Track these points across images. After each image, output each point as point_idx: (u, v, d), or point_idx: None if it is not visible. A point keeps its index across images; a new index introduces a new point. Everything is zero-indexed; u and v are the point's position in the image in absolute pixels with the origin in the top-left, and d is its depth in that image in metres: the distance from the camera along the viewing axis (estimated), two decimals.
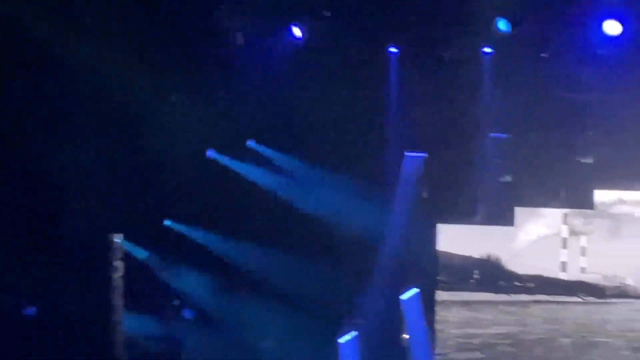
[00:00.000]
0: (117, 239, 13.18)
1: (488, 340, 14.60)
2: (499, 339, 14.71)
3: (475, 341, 14.74)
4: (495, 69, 12.98)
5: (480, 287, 14.72)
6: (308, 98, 13.14)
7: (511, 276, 14.74)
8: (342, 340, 13.45)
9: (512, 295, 14.80)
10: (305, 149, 13.51)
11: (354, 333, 13.46)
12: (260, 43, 12.88)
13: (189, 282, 13.71)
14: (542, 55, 12.81)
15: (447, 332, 14.58)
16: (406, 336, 14.10)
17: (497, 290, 14.76)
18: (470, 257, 14.67)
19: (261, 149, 13.45)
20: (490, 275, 14.75)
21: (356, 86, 13.26)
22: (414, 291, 13.84)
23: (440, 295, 14.40)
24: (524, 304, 14.88)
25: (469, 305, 14.63)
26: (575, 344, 14.89)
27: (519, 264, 14.71)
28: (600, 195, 14.21)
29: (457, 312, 14.70)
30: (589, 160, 13.67)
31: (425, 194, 13.85)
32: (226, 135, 13.32)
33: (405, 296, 13.76)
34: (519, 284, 14.73)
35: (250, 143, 13.34)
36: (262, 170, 13.50)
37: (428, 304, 14.10)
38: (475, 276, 14.61)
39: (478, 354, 14.74)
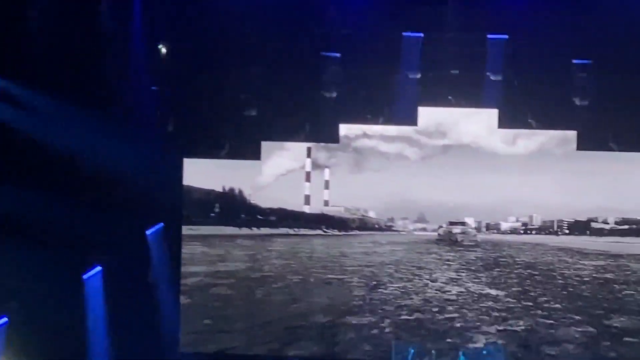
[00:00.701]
0: None
1: (206, 280, 14.80)
2: (218, 279, 14.92)
3: (191, 282, 14.87)
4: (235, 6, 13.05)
5: (221, 220, 14.99)
6: (50, 30, 12.79)
7: (254, 210, 15.12)
8: (86, 275, 13.38)
9: (254, 229, 15.16)
10: (48, 83, 13.04)
11: (98, 268, 13.44)
12: None
13: None
14: None
15: None
16: None
17: (238, 224, 15.11)
18: (213, 191, 14.95)
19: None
20: (232, 209, 15.03)
21: (101, 19, 13.03)
22: (159, 226, 13.94)
23: (183, 229, 14.54)
24: (265, 237, 15.30)
25: (205, 240, 14.90)
26: (305, 282, 15.24)
27: (263, 198, 15.11)
28: (345, 129, 14.68)
29: (189, 248, 14.80)
30: (333, 94, 13.92)
31: (171, 129, 13.98)
32: None
33: (150, 231, 13.84)
34: (261, 217, 15.09)
35: None
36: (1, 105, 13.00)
37: (174, 238, 14.33)
38: (216, 210, 14.85)
39: (182, 299, 14.77)
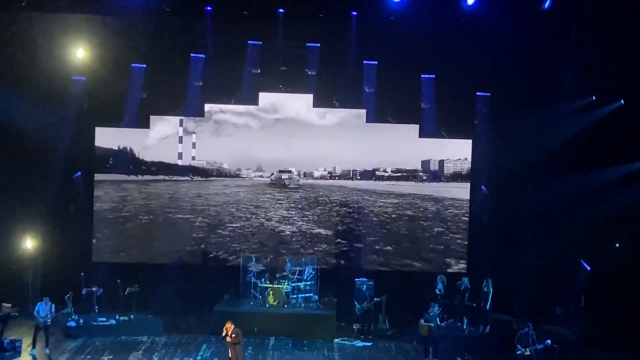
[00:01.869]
0: None
1: None
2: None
3: None
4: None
5: (114, 170, 17.51)
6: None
7: (140, 162, 17.52)
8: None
9: (139, 176, 17.55)
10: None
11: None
12: None
13: None
14: None
15: None
16: None
17: (128, 172, 17.61)
18: (111, 149, 17.46)
19: None
20: (123, 162, 17.46)
21: None
22: (78, 173, 17.17)
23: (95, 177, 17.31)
24: (145, 182, 17.63)
25: (100, 184, 17.47)
26: (153, 222, 17.48)
27: (149, 154, 17.62)
28: (208, 107, 17.67)
29: None
30: (199, 83, 17.00)
31: (86, 107, 16.99)
32: None
33: (75, 176, 17.08)
34: (144, 167, 17.52)
35: None
36: None
37: (89, 183, 17.43)
38: (110, 162, 17.44)
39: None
